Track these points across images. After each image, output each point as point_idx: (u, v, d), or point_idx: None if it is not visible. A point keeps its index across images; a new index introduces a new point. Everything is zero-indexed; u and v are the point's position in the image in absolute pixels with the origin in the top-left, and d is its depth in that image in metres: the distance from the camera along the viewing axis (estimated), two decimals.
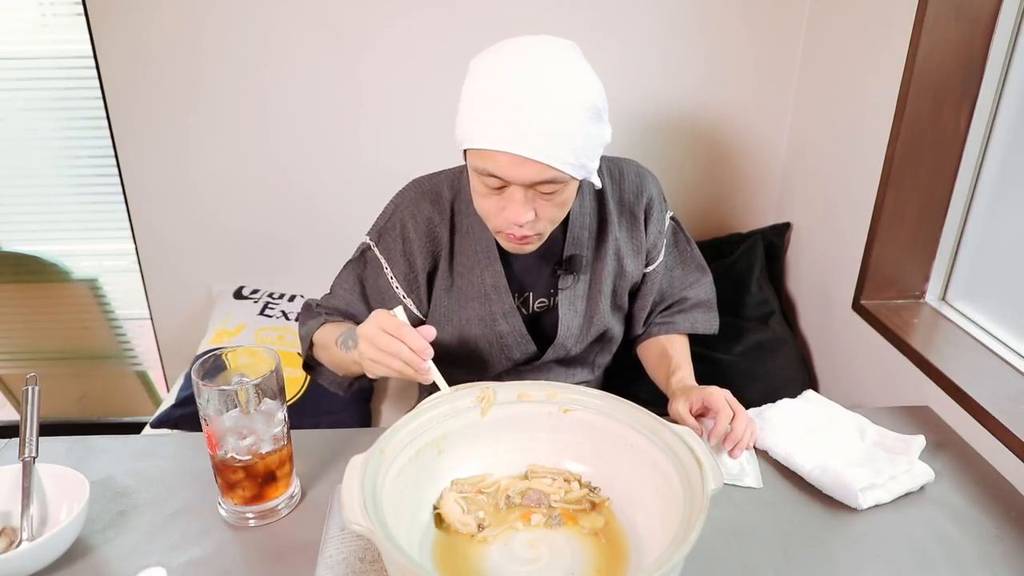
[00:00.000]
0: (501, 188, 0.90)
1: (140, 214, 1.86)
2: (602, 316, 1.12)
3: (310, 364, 1.11)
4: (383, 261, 1.07)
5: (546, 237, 0.99)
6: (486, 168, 0.87)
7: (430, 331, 0.86)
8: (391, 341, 0.83)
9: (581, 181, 0.96)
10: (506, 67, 0.84)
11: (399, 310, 0.87)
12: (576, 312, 1.11)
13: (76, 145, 1.92)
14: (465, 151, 0.91)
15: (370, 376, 0.90)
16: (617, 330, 1.19)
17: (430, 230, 1.05)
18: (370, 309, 1.08)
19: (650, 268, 1.16)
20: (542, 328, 1.13)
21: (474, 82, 0.86)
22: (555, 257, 1.08)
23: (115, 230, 1.97)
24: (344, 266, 1.12)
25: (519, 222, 0.90)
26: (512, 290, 1.07)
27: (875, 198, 1.39)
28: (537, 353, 1.12)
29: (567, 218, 1.06)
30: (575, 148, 0.85)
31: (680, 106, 1.78)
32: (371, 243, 1.09)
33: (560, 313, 1.10)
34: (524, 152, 0.83)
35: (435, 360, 0.86)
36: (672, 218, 1.18)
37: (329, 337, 1.01)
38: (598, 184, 0.97)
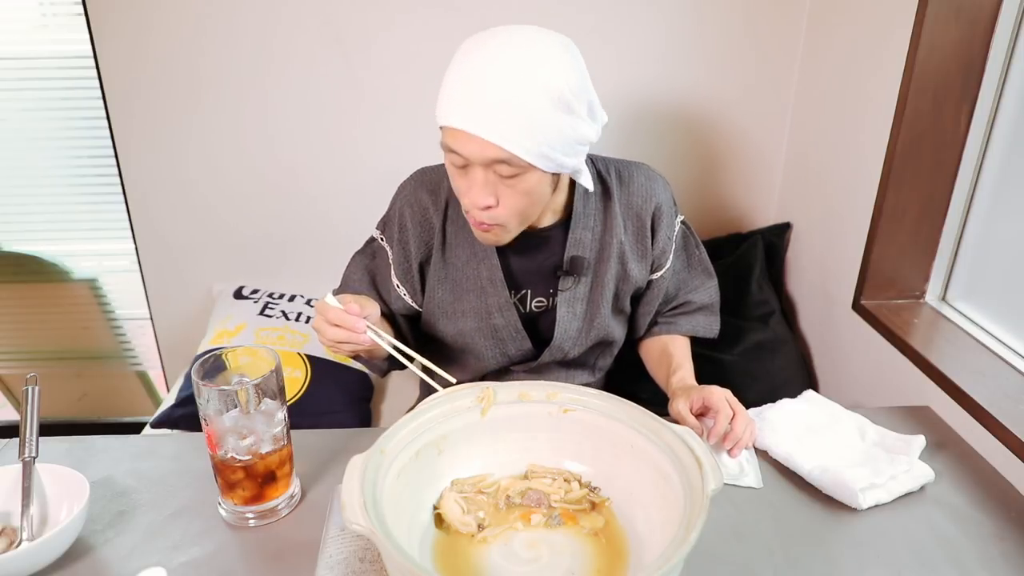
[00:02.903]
0: (465, 168, 0.91)
1: (140, 214, 1.86)
2: (603, 320, 1.11)
3: None
4: (388, 250, 1.10)
5: (513, 232, 0.98)
6: (447, 144, 0.89)
7: (353, 307, 0.88)
8: (327, 328, 0.88)
9: (573, 182, 0.94)
10: (476, 48, 0.86)
11: (329, 296, 0.89)
12: (575, 315, 1.10)
13: (76, 145, 1.92)
14: None
15: (346, 354, 0.95)
16: (619, 333, 1.18)
17: (425, 219, 1.07)
18: (381, 297, 1.11)
19: (656, 275, 1.15)
20: (539, 329, 1.12)
21: (452, 62, 0.89)
22: (555, 258, 1.07)
23: (115, 230, 1.97)
24: (352, 257, 1.15)
25: (477, 204, 0.91)
26: (508, 286, 1.07)
27: (875, 198, 1.39)
28: (534, 353, 1.12)
29: (569, 217, 1.05)
30: (534, 134, 0.85)
31: (681, 107, 1.78)
32: (377, 233, 1.12)
33: (558, 315, 1.09)
34: (473, 129, 0.84)
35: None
36: (683, 222, 1.16)
37: None
38: (589, 186, 0.97)
